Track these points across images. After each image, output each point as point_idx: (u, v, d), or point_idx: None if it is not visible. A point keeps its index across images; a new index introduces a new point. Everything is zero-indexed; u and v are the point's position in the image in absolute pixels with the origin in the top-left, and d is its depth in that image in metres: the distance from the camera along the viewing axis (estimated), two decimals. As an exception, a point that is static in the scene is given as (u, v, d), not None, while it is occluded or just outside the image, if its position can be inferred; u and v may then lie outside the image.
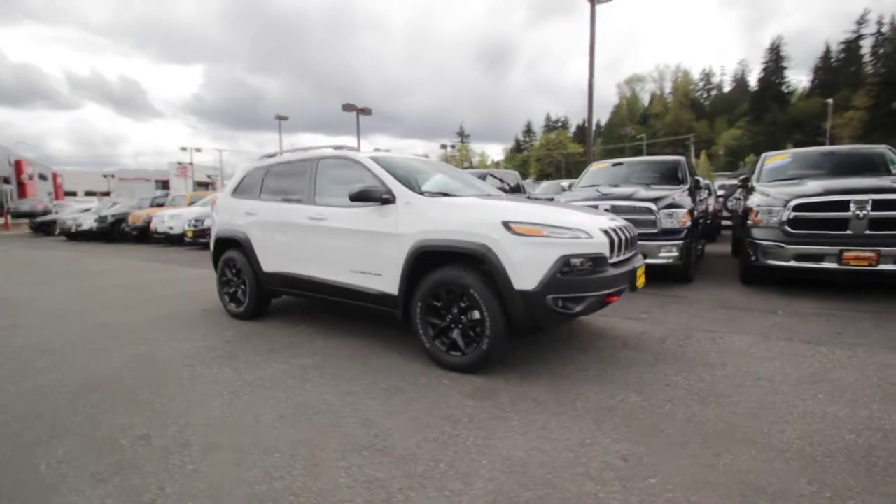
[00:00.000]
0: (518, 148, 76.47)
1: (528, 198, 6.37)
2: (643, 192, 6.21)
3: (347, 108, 21.64)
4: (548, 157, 64.56)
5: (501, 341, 2.97)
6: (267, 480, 2.00)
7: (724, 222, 12.42)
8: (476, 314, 3.05)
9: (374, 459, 2.14)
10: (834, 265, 4.85)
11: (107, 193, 52.46)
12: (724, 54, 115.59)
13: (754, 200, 5.80)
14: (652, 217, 5.75)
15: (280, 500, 1.86)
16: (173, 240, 13.24)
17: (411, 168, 4.02)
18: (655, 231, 5.74)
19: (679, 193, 6.30)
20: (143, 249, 13.18)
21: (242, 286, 4.69)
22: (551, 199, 6.36)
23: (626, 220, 3.74)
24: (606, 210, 5.47)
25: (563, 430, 2.36)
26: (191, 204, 15.07)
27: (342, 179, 3.98)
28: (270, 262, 4.38)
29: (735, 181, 10.98)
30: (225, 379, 3.18)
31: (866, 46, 56.38)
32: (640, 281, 3.40)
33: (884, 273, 4.67)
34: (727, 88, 70.97)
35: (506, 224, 2.92)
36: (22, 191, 39.59)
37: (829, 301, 4.88)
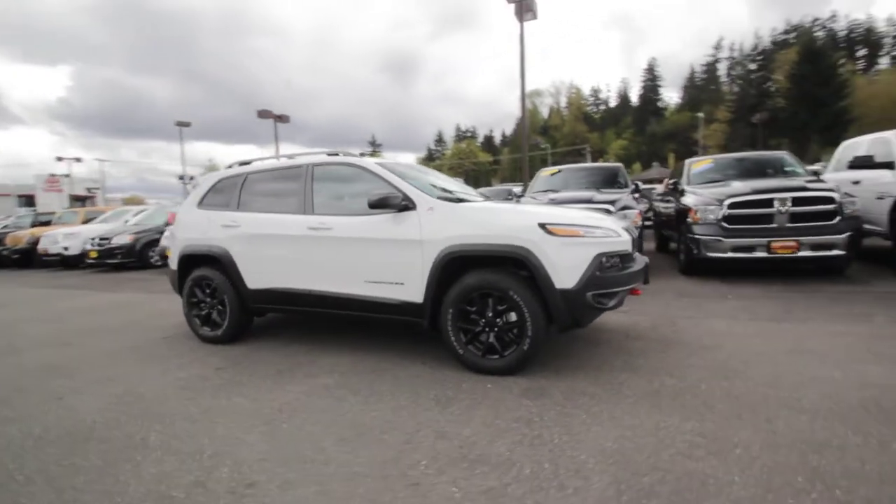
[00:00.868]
0: (430, 157, 77.69)
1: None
2: (599, 195, 6.72)
3: (263, 114, 20.40)
4: (460, 166, 66.44)
5: (542, 341, 3.05)
6: (378, 506, 1.86)
7: (645, 222, 13.75)
8: (513, 316, 3.10)
9: (476, 469, 2.08)
10: (764, 254, 5.65)
11: (-51, 213, 43.58)
12: (608, 73, 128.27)
13: (690, 201, 6.54)
14: (611, 218, 6.24)
15: (407, 523, 1.75)
16: (69, 262, 11.48)
17: (413, 173, 3.95)
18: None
19: (627, 196, 6.91)
20: (32, 275, 11.24)
21: (219, 307, 4.23)
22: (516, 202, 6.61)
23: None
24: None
25: (631, 418, 2.48)
26: (87, 221, 13.16)
27: (345, 187, 3.81)
28: (258, 278, 4.02)
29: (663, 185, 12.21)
30: (244, 408, 2.87)
31: (722, 68, 66.24)
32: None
33: (803, 259, 5.55)
34: (613, 103, 78.74)
35: (542, 226, 3.01)
36: None
37: (764, 285, 5.65)
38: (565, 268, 2.95)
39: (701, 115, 43.84)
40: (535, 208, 3.42)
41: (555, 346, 3.72)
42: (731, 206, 5.87)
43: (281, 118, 21.21)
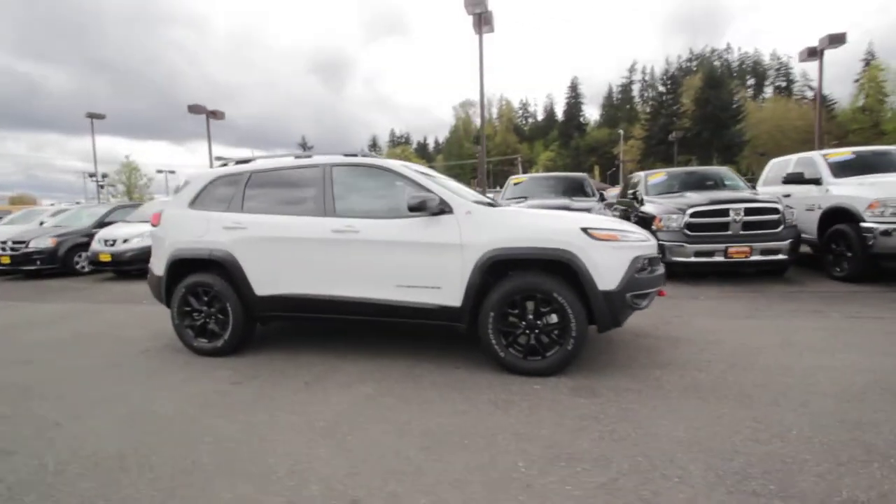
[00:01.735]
0: (364, 162, 76.60)
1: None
2: (573, 202, 7.08)
3: (195, 110, 18.88)
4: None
5: (584, 341, 3.17)
6: (505, 510, 1.84)
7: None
8: (553, 317, 3.19)
9: (576, 467, 2.13)
10: (722, 258, 6.28)
11: None
12: (536, 88, 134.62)
13: (653, 209, 7.11)
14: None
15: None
16: (-35, 270, 9.83)
17: (434, 177, 3.93)
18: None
19: (598, 204, 7.36)
20: (-84, 286, 9.46)
21: (220, 315, 3.90)
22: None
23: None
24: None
25: (688, 409, 2.67)
26: (-13, 222, 11.37)
27: (369, 189, 3.70)
28: (269, 283, 3.76)
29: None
30: (293, 423, 2.68)
31: (636, 89, 72.27)
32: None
33: (755, 262, 6.25)
34: (540, 117, 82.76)
35: (585, 230, 3.15)
36: None
37: (720, 286, 6.26)
38: (607, 270, 3.10)
39: (621, 131, 47.44)
40: (573, 213, 3.55)
41: (575, 346, 3.87)
42: (693, 214, 6.46)
43: (215, 114, 19.78)
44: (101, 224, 10.11)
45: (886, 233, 5.57)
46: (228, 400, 3.06)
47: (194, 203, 4.09)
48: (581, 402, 2.82)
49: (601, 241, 3.13)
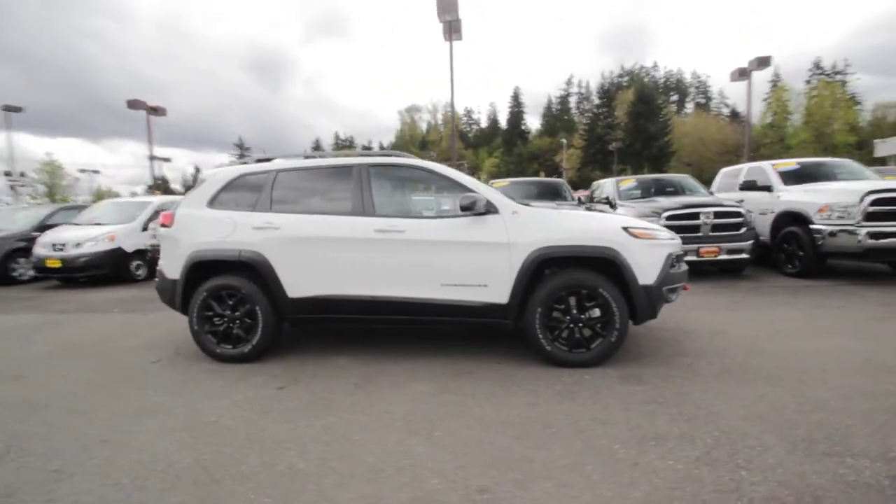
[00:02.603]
0: (307, 164, 74.45)
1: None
2: (561, 206, 7.41)
3: (135, 105, 17.41)
4: (339, 175, 64.74)
5: (626, 333, 3.39)
6: (611, 489, 1.97)
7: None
8: (596, 311, 3.39)
9: (667, 445, 2.30)
10: (694, 257, 6.85)
11: None
12: (479, 96, 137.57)
13: (628, 213, 7.62)
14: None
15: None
16: None
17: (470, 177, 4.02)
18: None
19: (577, 208, 7.76)
20: None
21: (247, 319, 3.72)
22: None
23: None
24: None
25: (732, 391, 2.94)
26: None
27: (409, 188, 3.72)
28: (304, 285, 3.65)
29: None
30: (372, 423, 2.67)
31: (573, 101, 76.06)
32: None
33: (723, 261, 6.89)
34: (484, 124, 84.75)
35: (626, 229, 3.38)
36: None
37: (695, 283, 6.83)
38: (647, 266, 3.35)
39: (564, 140, 49.75)
40: (611, 213, 3.77)
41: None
42: (669, 217, 7.00)
43: (156, 110, 18.37)
44: (43, 227, 9.13)
45: (833, 234, 6.36)
46: (283, 405, 2.95)
47: (214, 203, 3.88)
48: (635, 388, 3.02)
49: (640, 240, 3.38)
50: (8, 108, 19.70)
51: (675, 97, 69.11)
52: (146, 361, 3.90)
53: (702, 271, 7.56)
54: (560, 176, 48.10)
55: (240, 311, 3.74)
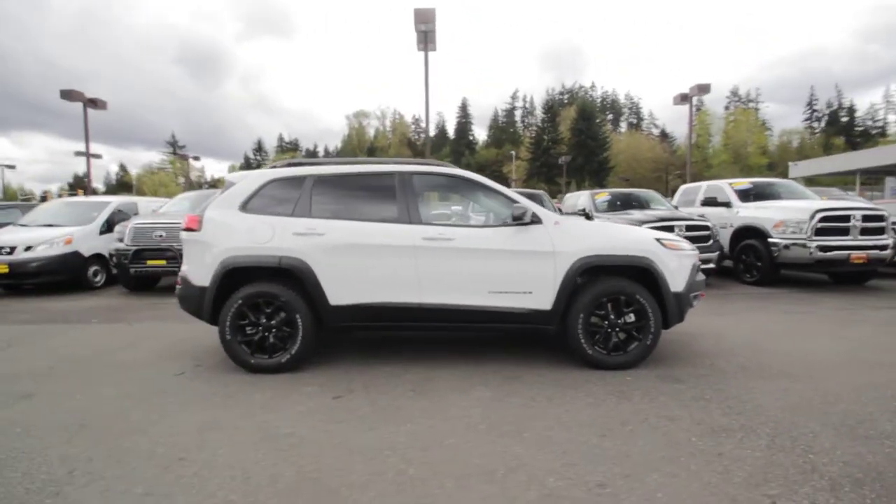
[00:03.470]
0: (249, 166, 71.08)
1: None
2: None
3: (69, 96, 15.84)
4: (283, 179, 62.49)
5: (659, 336, 3.68)
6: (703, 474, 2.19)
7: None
8: (631, 317, 3.65)
9: (735, 436, 2.56)
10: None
11: None
12: (428, 104, 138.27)
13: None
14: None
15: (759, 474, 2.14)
16: None
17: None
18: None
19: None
20: None
21: (286, 328, 3.61)
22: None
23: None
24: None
25: (761, 386, 3.28)
26: None
27: (453, 197, 3.80)
28: (348, 292, 3.61)
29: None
30: (448, 428, 2.71)
31: (518, 115, 78.81)
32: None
33: (695, 270, 7.52)
34: (433, 133, 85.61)
35: (658, 241, 3.68)
36: None
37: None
38: (677, 274, 3.67)
39: (514, 152, 51.45)
40: (643, 226, 4.05)
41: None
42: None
43: (95, 103, 16.80)
44: (-24, 228, 8.13)
45: (787, 246, 7.18)
46: (351, 414, 2.92)
47: (247, 206, 3.74)
48: (678, 387, 3.30)
49: (670, 250, 3.69)
50: None
51: (610, 116, 73.70)
52: (167, 374, 3.66)
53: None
54: (509, 186, 49.56)
55: (276, 320, 3.62)
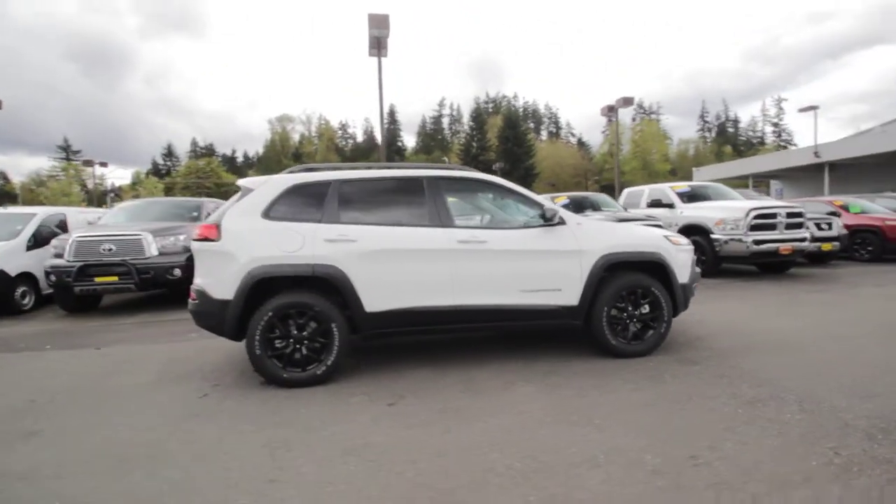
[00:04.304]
0: (158, 172, 65.10)
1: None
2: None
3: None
4: (199, 185, 58.15)
5: (671, 325, 4.03)
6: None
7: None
8: (646, 308, 3.98)
9: (768, 406, 2.90)
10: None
11: None
12: (353, 110, 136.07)
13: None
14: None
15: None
16: None
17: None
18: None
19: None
20: None
21: (320, 339, 3.46)
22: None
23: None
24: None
25: (772, 362, 3.69)
26: None
27: (481, 200, 3.90)
28: (384, 298, 3.54)
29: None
30: (515, 423, 2.80)
31: (446, 122, 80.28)
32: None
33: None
34: (360, 139, 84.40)
35: (667, 238, 4.04)
36: None
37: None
38: (683, 267, 4.06)
39: (446, 158, 52.20)
40: (650, 225, 4.39)
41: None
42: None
43: (-16, 101, 14.50)
44: None
45: (727, 242, 8.10)
46: (416, 418, 2.90)
47: (270, 213, 3.55)
48: (698, 368, 3.64)
49: (676, 246, 4.07)
50: None
51: (532, 125, 77.54)
52: (189, 397, 3.35)
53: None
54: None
55: (308, 331, 3.47)
